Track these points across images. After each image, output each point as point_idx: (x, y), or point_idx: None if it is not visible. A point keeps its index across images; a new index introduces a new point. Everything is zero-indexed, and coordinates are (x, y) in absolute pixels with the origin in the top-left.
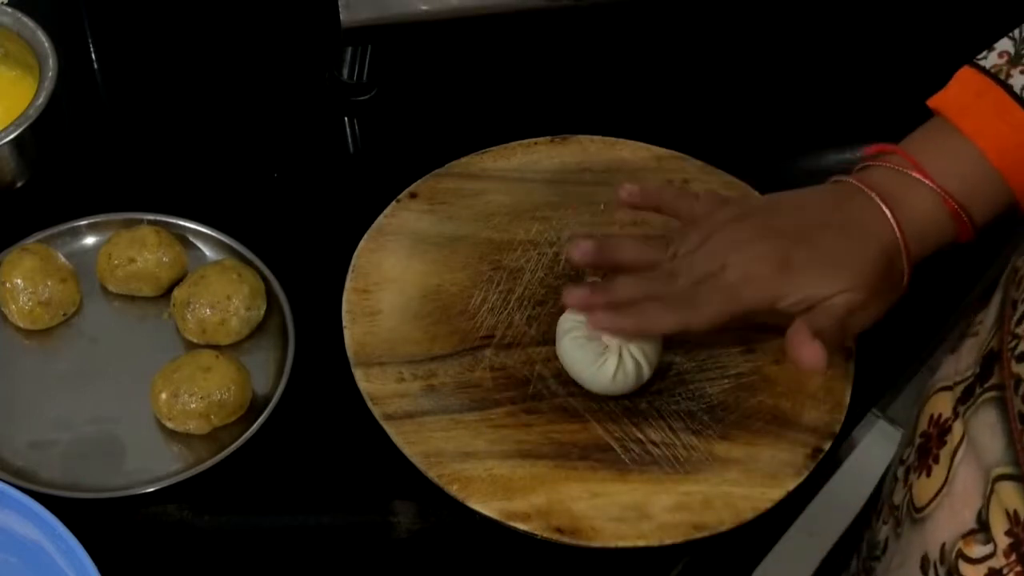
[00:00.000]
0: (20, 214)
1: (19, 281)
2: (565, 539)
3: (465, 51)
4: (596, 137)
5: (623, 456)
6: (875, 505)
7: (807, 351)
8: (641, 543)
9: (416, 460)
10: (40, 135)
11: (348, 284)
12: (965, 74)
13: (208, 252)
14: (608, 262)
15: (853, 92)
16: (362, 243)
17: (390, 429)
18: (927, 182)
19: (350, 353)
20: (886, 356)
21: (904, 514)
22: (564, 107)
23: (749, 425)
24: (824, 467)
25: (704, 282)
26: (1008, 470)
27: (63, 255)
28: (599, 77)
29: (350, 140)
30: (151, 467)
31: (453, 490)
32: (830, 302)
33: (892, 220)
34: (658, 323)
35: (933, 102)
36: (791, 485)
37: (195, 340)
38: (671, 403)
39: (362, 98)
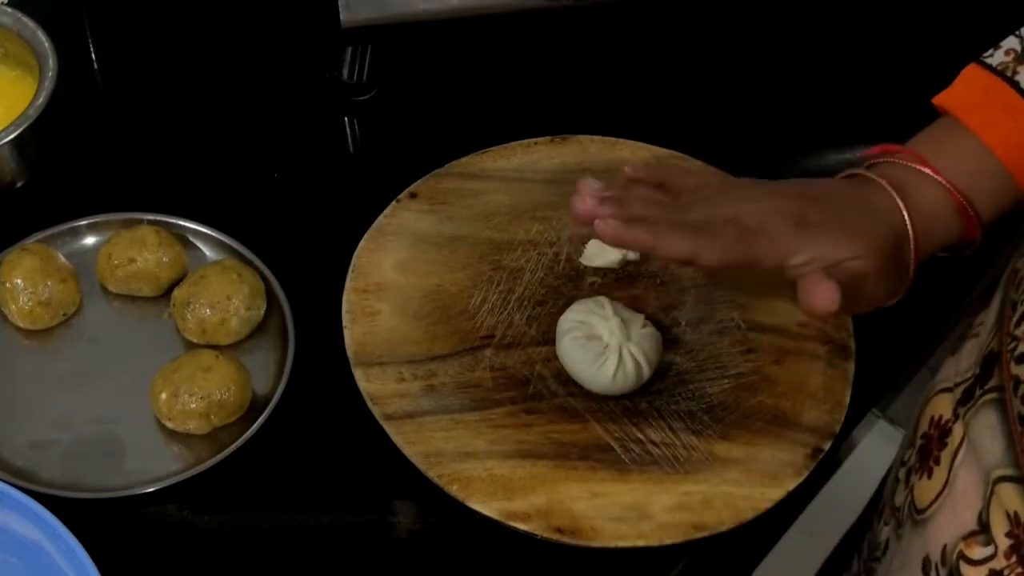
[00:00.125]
0: (20, 214)
1: (19, 281)
2: (565, 539)
3: (465, 51)
4: (596, 137)
5: (623, 456)
6: (876, 506)
7: (821, 290)
8: (641, 543)
9: (416, 460)
10: (40, 135)
11: (348, 284)
12: (971, 72)
13: (208, 252)
14: (615, 197)
15: (853, 92)
16: (362, 243)
17: (390, 429)
18: (934, 176)
19: (350, 353)
20: (886, 356)
21: (905, 515)
22: (564, 107)
23: (749, 425)
24: (824, 467)
25: (720, 220)
26: (1008, 472)
27: (63, 255)
28: (599, 77)
29: (350, 140)
30: (151, 467)
31: (453, 490)
32: (843, 265)
33: (902, 206)
34: (669, 244)
35: (939, 100)
36: (791, 485)
37: (195, 340)
38: (671, 403)
39: (362, 98)
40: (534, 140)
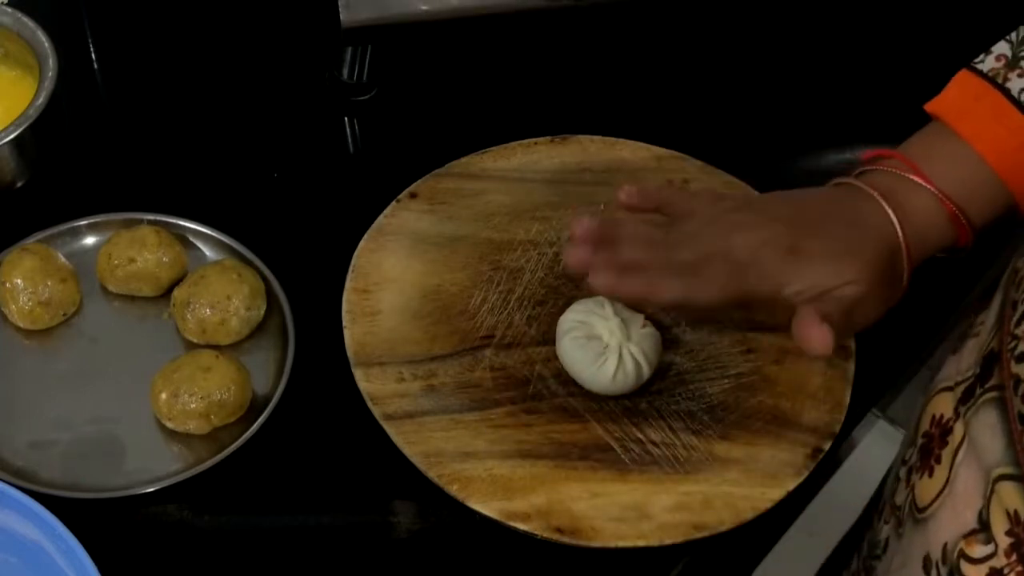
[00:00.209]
0: (20, 214)
1: (19, 281)
2: (565, 539)
3: (465, 51)
4: (596, 137)
5: (623, 456)
6: (876, 505)
7: (816, 334)
8: (641, 543)
9: (416, 460)
10: (40, 135)
11: (348, 284)
12: (963, 78)
13: (208, 252)
14: (608, 237)
15: (853, 93)
16: (362, 243)
17: (390, 429)
18: (926, 185)
19: (350, 353)
20: (886, 356)
21: (906, 514)
22: (564, 107)
23: (749, 425)
24: (824, 467)
25: (710, 258)
26: (1008, 470)
27: (63, 255)
28: (599, 77)
29: (350, 140)
30: (151, 467)
31: (453, 490)
32: (837, 292)
33: (893, 217)
34: (662, 290)
35: (931, 106)
36: (791, 485)
37: (195, 340)
38: (671, 403)
39: (362, 98)
40: (534, 140)
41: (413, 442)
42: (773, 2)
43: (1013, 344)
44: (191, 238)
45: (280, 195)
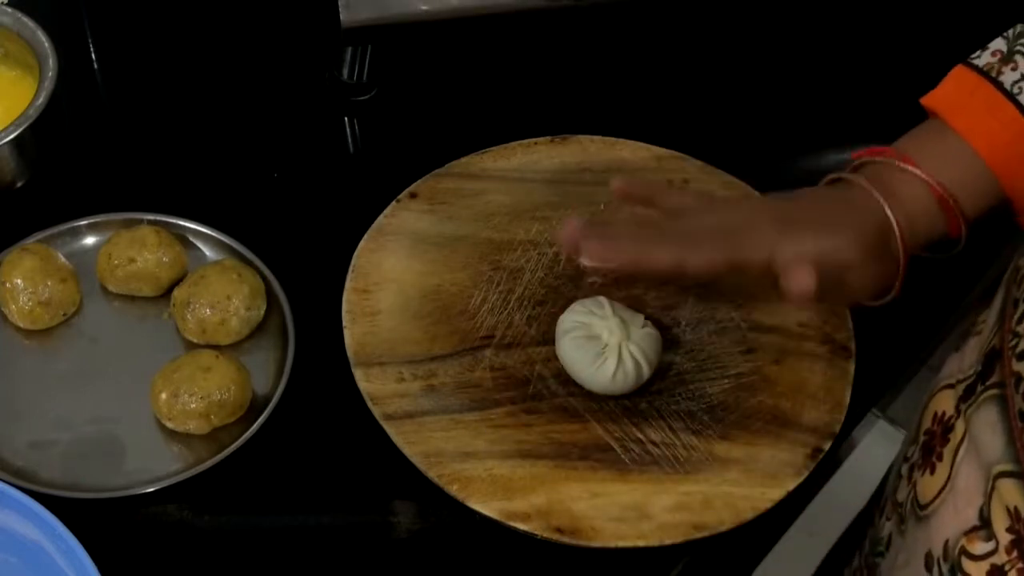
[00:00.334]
0: (20, 214)
1: (19, 281)
2: (565, 539)
3: (465, 51)
4: (596, 137)
5: (623, 456)
6: (878, 502)
7: (798, 274)
8: (641, 543)
9: (416, 460)
10: (40, 135)
11: (348, 284)
12: (958, 72)
13: (208, 252)
14: (601, 222)
15: (853, 92)
16: (362, 243)
17: (390, 429)
18: (914, 170)
19: (350, 353)
20: (886, 356)
21: (908, 511)
22: (564, 107)
23: (749, 425)
24: (824, 467)
25: (704, 227)
26: (1009, 467)
27: (63, 255)
28: (599, 77)
29: (350, 140)
30: (151, 467)
31: (453, 490)
32: (828, 258)
33: (883, 201)
34: (655, 255)
35: (927, 100)
36: (791, 485)
37: (195, 340)
38: (671, 403)
39: (362, 98)
40: (534, 140)
41: (413, 442)
42: (773, 2)
43: (1014, 342)
44: (191, 238)
45: (280, 195)
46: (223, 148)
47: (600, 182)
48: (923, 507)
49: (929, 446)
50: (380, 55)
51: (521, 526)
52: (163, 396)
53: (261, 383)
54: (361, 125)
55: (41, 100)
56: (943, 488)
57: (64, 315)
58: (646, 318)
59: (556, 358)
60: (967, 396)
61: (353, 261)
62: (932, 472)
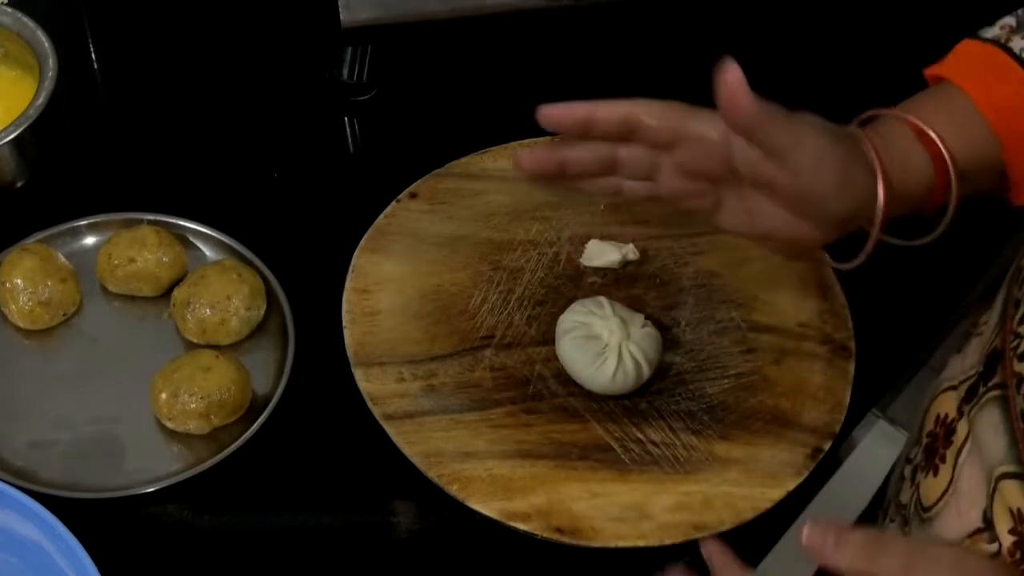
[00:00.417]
0: (20, 214)
1: (19, 281)
2: (565, 539)
3: (465, 51)
4: None
5: (623, 456)
6: (880, 503)
7: (729, 72)
8: (641, 543)
9: (416, 460)
10: (40, 135)
11: (348, 284)
12: (965, 45)
13: (208, 252)
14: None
15: (853, 92)
16: (362, 243)
17: (390, 429)
18: (905, 116)
19: (350, 353)
20: (886, 356)
21: (912, 513)
22: None
23: (749, 425)
24: (824, 467)
25: None
26: (1011, 468)
27: (63, 255)
28: (599, 77)
29: (350, 140)
30: (151, 467)
31: (453, 490)
32: (787, 114)
33: (856, 128)
34: (607, 107)
35: (932, 69)
36: (791, 485)
37: (195, 340)
38: (671, 403)
39: (362, 98)
40: (534, 140)
41: (413, 442)
42: (773, 2)
43: (1016, 342)
44: (191, 238)
45: (280, 195)
46: (223, 148)
47: None
48: (927, 509)
49: (932, 448)
50: (380, 55)
51: (521, 526)
52: (163, 396)
53: (261, 383)
54: (361, 125)
55: (41, 100)
56: (946, 490)
57: (64, 315)
58: (646, 318)
59: (556, 358)
60: (969, 397)
61: (353, 261)
62: (935, 474)
